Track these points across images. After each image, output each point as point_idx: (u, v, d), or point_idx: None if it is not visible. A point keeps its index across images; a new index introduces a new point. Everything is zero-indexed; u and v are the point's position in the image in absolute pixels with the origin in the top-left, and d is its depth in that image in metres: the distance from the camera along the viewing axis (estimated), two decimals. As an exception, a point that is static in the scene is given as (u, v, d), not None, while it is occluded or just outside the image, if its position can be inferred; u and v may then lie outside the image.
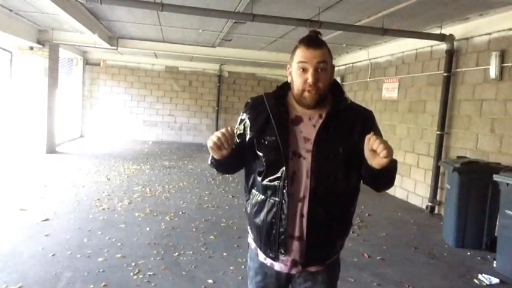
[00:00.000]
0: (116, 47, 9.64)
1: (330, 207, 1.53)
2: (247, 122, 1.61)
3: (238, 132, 1.64)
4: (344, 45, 8.35)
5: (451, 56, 5.89)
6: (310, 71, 1.48)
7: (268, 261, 1.63)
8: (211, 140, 1.47)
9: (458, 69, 5.89)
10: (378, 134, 1.50)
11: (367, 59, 8.49)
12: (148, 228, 4.61)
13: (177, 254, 3.90)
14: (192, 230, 4.67)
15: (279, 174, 1.52)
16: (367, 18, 5.94)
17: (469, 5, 4.97)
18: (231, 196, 6.46)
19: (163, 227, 4.72)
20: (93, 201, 5.57)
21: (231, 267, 3.65)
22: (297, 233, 1.55)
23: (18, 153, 8.87)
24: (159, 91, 13.73)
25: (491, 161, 4.84)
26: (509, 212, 3.81)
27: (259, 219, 1.59)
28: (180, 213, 5.34)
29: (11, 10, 7.09)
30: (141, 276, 3.37)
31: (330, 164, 1.51)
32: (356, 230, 4.97)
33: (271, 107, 1.56)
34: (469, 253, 4.45)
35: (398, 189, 7.17)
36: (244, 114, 1.64)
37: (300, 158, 1.52)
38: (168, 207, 5.56)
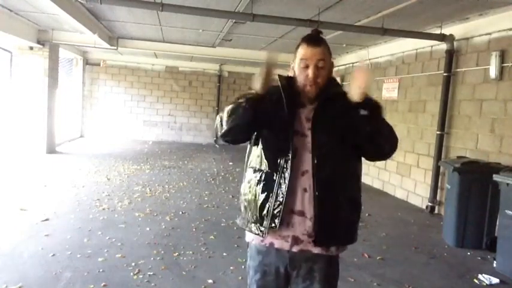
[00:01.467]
0: (116, 47, 9.65)
1: (333, 180, 1.62)
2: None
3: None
4: (344, 45, 8.35)
5: (451, 56, 5.89)
6: (311, 67, 1.64)
7: (267, 241, 1.66)
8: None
9: (458, 69, 5.88)
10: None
11: (367, 59, 8.49)
12: (148, 228, 4.61)
13: (177, 254, 3.90)
14: (192, 230, 4.67)
15: (283, 149, 1.63)
16: (367, 18, 5.93)
17: (469, 5, 4.97)
18: (231, 196, 6.46)
19: (163, 227, 4.72)
20: (93, 201, 5.57)
21: (231, 267, 3.65)
22: (297, 207, 1.61)
23: (18, 153, 8.86)
24: (159, 91, 13.73)
25: (491, 161, 4.84)
26: (509, 212, 3.81)
27: (255, 191, 1.66)
28: (180, 213, 5.34)
29: (11, 10, 7.09)
30: (141, 276, 3.36)
31: (328, 138, 1.64)
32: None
33: (284, 87, 1.68)
34: (469, 253, 4.45)
35: (398, 189, 7.17)
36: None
37: (302, 137, 1.65)
38: (168, 207, 5.56)
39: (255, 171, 1.70)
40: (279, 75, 1.72)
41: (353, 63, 9.33)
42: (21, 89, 9.19)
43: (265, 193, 1.64)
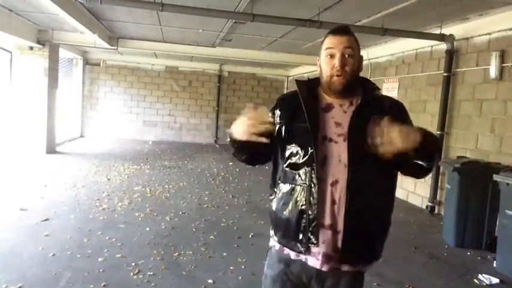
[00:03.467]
0: (116, 47, 9.64)
1: (366, 193, 1.48)
2: (278, 112, 1.61)
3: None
4: (344, 45, 8.33)
5: (451, 56, 5.89)
6: (337, 56, 1.50)
7: (302, 257, 1.54)
8: (249, 127, 1.41)
9: (458, 69, 5.88)
10: (409, 124, 1.50)
11: (367, 59, 8.49)
12: (148, 228, 4.61)
13: (177, 254, 3.90)
14: (192, 230, 4.67)
15: (307, 159, 1.50)
16: (367, 18, 5.93)
17: (469, 5, 4.97)
18: (231, 196, 6.45)
19: (163, 227, 4.72)
20: (93, 201, 5.57)
21: (231, 267, 3.64)
22: (327, 221, 1.48)
23: (18, 153, 8.86)
24: (159, 91, 13.73)
25: (491, 161, 4.84)
26: (509, 212, 3.81)
27: (287, 211, 1.53)
28: (180, 213, 5.34)
29: (11, 10, 7.09)
30: (141, 276, 3.36)
31: (364, 147, 1.42)
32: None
33: (303, 94, 1.56)
34: (469, 253, 4.45)
35: (398, 189, 7.17)
36: (275, 108, 1.64)
37: (331, 142, 1.51)
38: (168, 207, 5.56)
39: (282, 184, 1.57)
40: (296, 80, 1.63)
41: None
42: (21, 89, 9.19)
43: (295, 208, 1.51)
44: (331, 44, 1.52)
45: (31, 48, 9.07)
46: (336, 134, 1.51)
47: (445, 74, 5.95)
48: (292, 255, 1.56)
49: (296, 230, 1.51)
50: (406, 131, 1.32)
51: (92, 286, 3.12)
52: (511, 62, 4.93)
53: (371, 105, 1.53)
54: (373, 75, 8.36)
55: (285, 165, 1.56)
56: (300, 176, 1.51)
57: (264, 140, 1.42)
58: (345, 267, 1.53)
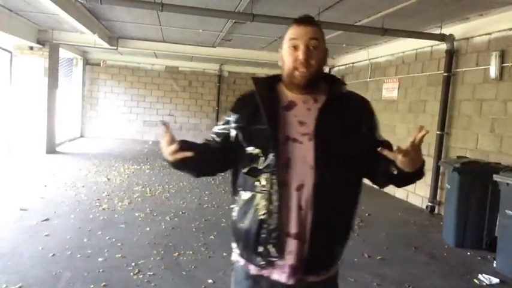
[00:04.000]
0: (116, 47, 9.64)
1: (334, 197, 1.37)
2: (233, 118, 1.48)
3: (219, 130, 1.52)
4: (344, 45, 8.34)
5: (451, 56, 5.89)
6: (301, 47, 1.38)
7: (265, 272, 1.42)
8: (168, 151, 1.36)
9: (458, 69, 5.88)
10: (377, 127, 1.51)
11: (367, 59, 8.49)
12: (148, 228, 4.60)
13: (177, 254, 3.90)
14: (192, 230, 4.67)
15: (268, 163, 1.36)
16: (367, 18, 5.93)
17: (469, 5, 4.97)
18: (231, 196, 6.44)
19: (163, 227, 4.72)
20: (93, 201, 5.57)
21: (231, 267, 3.64)
22: (293, 230, 1.35)
23: (18, 153, 8.86)
24: (159, 91, 13.73)
25: (491, 161, 4.84)
26: (509, 212, 3.81)
27: (247, 221, 1.40)
28: (180, 213, 5.34)
29: (11, 10, 7.08)
30: (141, 276, 3.36)
31: (332, 147, 1.36)
32: (356, 230, 4.96)
33: (261, 93, 1.44)
34: (469, 253, 4.45)
35: (398, 189, 7.16)
36: (231, 113, 1.51)
37: (295, 143, 1.37)
38: (168, 207, 5.56)
39: (243, 192, 1.44)
40: (252, 77, 1.51)
41: (353, 63, 9.33)
42: (21, 89, 9.18)
43: (254, 217, 1.38)
44: (295, 34, 1.40)
45: (31, 48, 9.06)
46: (300, 133, 1.38)
47: (445, 74, 5.95)
48: (255, 269, 1.44)
49: (255, 241, 1.39)
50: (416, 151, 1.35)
51: (92, 286, 3.12)
52: (511, 62, 4.93)
53: (338, 101, 1.43)
54: (373, 75, 8.37)
55: (244, 171, 1.43)
56: (260, 182, 1.37)
57: (188, 154, 1.33)
58: (312, 278, 1.41)
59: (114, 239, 4.17)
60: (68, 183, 6.59)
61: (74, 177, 7.08)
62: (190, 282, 3.34)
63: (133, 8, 6.09)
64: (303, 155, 1.36)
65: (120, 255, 3.75)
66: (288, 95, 1.46)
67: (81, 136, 13.24)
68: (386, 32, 5.95)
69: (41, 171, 7.43)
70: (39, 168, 7.71)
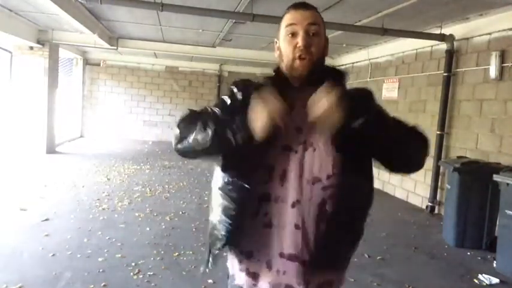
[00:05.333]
0: (116, 47, 9.64)
1: (339, 213, 1.20)
2: (239, 96, 1.25)
3: (223, 104, 1.28)
4: (344, 45, 8.34)
5: (451, 56, 5.89)
6: (301, 34, 1.21)
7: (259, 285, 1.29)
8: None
9: (458, 69, 5.88)
10: (376, 108, 1.23)
11: (367, 59, 8.49)
12: (148, 228, 4.61)
13: (177, 254, 3.90)
14: (192, 230, 4.67)
15: (261, 174, 1.20)
16: (367, 18, 5.93)
17: (469, 5, 4.97)
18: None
19: (163, 227, 4.72)
20: (93, 201, 5.57)
21: (231, 267, 3.64)
22: (288, 250, 1.20)
23: (18, 153, 8.86)
24: (159, 91, 13.73)
25: (491, 161, 4.84)
26: (509, 212, 3.81)
27: (227, 228, 1.31)
28: (180, 213, 5.34)
29: (11, 10, 7.08)
30: (141, 276, 3.36)
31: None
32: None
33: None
34: (469, 253, 4.45)
35: (398, 189, 7.17)
36: (236, 90, 1.27)
37: (291, 152, 1.20)
38: (168, 207, 5.56)
39: (227, 198, 1.25)
40: (266, 77, 1.31)
41: (353, 63, 9.33)
42: (21, 89, 9.18)
43: (239, 231, 1.26)
44: (292, 19, 1.24)
45: (31, 48, 9.06)
46: (296, 141, 1.20)
47: (445, 74, 5.95)
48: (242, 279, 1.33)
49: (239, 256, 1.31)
50: (336, 99, 1.06)
51: (92, 286, 3.12)
52: (511, 62, 4.93)
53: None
54: (373, 75, 8.37)
55: (231, 180, 1.23)
56: (248, 195, 1.20)
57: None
58: None
59: (114, 239, 4.17)
60: (68, 183, 6.59)
61: (74, 177, 7.08)
62: (190, 282, 3.34)
63: (133, 8, 6.09)
64: (299, 167, 1.19)
65: (120, 255, 3.75)
66: (287, 93, 1.23)
67: (81, 136, 13.24)
68: (386, 32, 5.94)
69: (41, 171, 7.42)
70: (39, 168, 7.71)
